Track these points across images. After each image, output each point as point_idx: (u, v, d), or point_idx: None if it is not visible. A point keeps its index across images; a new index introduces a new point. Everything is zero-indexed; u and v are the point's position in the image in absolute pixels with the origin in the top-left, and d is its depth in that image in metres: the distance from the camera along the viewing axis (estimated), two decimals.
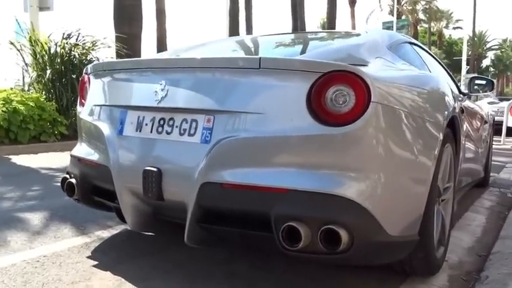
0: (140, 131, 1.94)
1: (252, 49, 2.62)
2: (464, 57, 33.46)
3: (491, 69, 61.01)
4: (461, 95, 3.22)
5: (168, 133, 1.85)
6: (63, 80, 8.07)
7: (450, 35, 56.21)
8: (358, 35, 2.39)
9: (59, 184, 4.22)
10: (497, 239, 2.76)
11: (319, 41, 2.50)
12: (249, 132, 1.66)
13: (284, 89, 1.65)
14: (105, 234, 2.67)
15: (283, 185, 1.61)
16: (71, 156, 2.37)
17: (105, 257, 2.30)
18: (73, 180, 2.24)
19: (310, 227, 1.56)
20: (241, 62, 1.77)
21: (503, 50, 60.72)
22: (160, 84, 1.88)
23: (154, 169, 1.83)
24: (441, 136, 1.98)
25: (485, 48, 59.42)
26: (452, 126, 2.27)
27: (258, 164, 1.66)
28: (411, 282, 2.06)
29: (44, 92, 7.98)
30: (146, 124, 1.93)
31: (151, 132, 1.90)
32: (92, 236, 2.62)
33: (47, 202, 3.47)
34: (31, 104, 7.07)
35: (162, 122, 1.88)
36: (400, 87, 1.79)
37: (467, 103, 3.24)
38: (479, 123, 3.62)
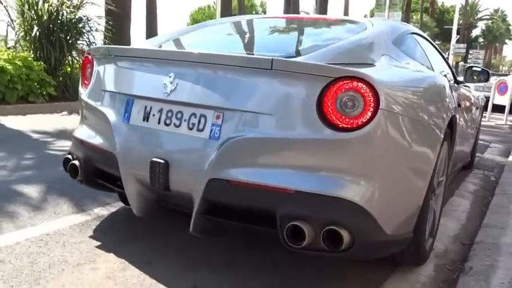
0: (147, 121, 1.96)
1: (250, 40, 2.57)
2: (455, 27, 33.28)
3: (481, 39, 61.00)
4: (456, 84, 3.29)
5: (176, 126, 1.87)
6: (51, 39, 7.83)
7: (443, 3, 55.71)
8: (362, 27, 2.38)
9: (53, 153, 4.34)
10: (480, 228, 2.91)
11: (322, 33, 2.48)
12: (258, 132, 1.69)
13: (295, 92, 1.67)
14: (105, 212, 2.73)
15: (289, 186, 1.67)
16: (74, 137, 2.37)
17: (107, 237, 2.36)
18: (76, 162, 2.26)
19: (313, 227, 1.64)
20: (253, 61, 1.77)
21: (494, 20, 60.53)
22: (169, 76, 1.88)
23: (162, 161, 1.86)
24: (441, 138, 2.05)
25: (476, 18, 59.11)
26: (451, 126, 2.34)
27: (266, 164, 1.71)
28: (400, 271, 2.18)
29: (31, 51, 7.76)
30: (153, 115, 1.94)
31: (158, 123, 1.92)
32: (91, 214, 2.67)
33: (43, 173, 3.48)
34: (19, 63, 6.89)
35: (170, 114, 1.90)
36: (406, 93, 1.83)
37: (462, 91, 3.31)
38: (471, 111, 3.70)
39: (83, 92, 2.35)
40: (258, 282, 2.00)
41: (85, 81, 2.39)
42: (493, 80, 10.27)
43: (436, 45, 3.48)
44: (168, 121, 1.90)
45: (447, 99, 2.26)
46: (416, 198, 1.92)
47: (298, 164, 1.68)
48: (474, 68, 3.53)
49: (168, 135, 1.90)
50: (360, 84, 1.61)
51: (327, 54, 1.92)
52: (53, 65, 7.93)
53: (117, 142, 2.01)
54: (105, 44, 9.37)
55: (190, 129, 1.84)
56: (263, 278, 2.04)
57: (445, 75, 3.06)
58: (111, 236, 2.38)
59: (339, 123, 1.63)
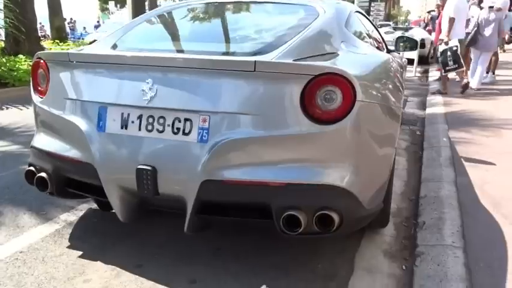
0: (126, 128, 1.93)
1: (211, 33, 2.53)
2: None
3: None
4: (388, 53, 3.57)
5: (159, 131, 1.88)
6: None
7: None
8: (314, 13, 2.46)
9: None
10: (421, 183, 3.30)
11: (279, 23, 2.51)
12: (246, 133, 1.77)
13: (278, 91, 1.76)
14: (72, 217, 2.65)
15: (280, 180, 1.79)
16: (34, 148, 2.25)
17: (86, 245, 2.33)
18: (44, 175, 2.16)
19: (306, 214, 1.80)
20: (236, 64, 1.81)
21: None
22: (147, 82, 1.86)
23: (149, 167, 1.87)
24: (401, 113, 2.28)
25: None
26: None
27: (257, 162, 1.80)
28: (368, 236, 2.45)
29: None
30: (132, 122, 1.92)
31: (139, 130, 1.90)
32: (59, 222, 2.59)
33: None
34: None
35: (151, 120, 1.89)
36: (375, 82, 2.01)
37: (395, 59, 3.60)
38: (401, 74, 4.04)
39: (39, 100, 2.22)
40: (245, 265, 2.14)
41: (38, 88, 2.24)
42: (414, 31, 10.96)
43: (372, 21, 3.71)
44: (149, 127, 1.89)
45: (399, 76, 2.48)
46: (386, 173, 2.15)
47: (287, 158, 1.79)
48: (404, 38, 3.85)
49: (151, 141, 1.89)
50: (337, 78, 1.74)
51: (297, 48, 2.01)
52: None
53: (94, 152, 1.96)
54: (6, 23, 8.51)
55: (175, 133, 1.86)
56: (249, 260, 2.18)
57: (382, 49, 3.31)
58: (90, 242, 2.35)
59: (321, 116, 1.76)
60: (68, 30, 17.99)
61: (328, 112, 1.76)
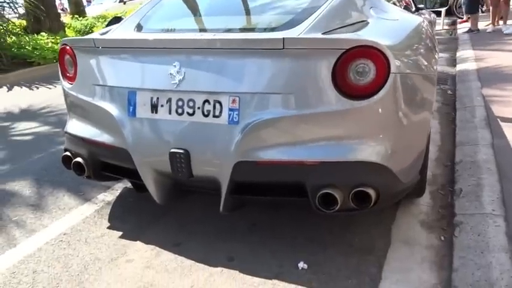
0: (156, 112, 1.93)
1: (236, 9, 2.45)
2: None
3: None
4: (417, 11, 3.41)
5: (190, 114, 1.87)
6: None
7: None
8: None
9: (20, 139, 4.10)
10: (456, 147, 3.21)
11: None
12: (278, 113, 1.73)
13: (308, 68, 1.71)
14: (109, 197, 2.72)
15: (315, 158, 1.77)
16: (69, 134, 2.29)
17: (125, 225, 2.39)
18: (80, 160, 2.21)
19: (342, 191, 1.78)
20: (264, 42, 1.76)
21: None
22: (174, 66, 1.83)
23: (182, 150, 1.88)
24: (436, 78, 2.18)
25: None
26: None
27: (290, 141, 1.78)
28: (404, 206, 2.42)
29: None
30: (162, 106, 1.91)
31: (169, 113, 1.90)
32: (97, 202, 2.66)
33: (21, 165, 3.35)
34: None
35: (180, 104, 1.88)
36: (408, 51, 1.92)
37: (425, 19, 3.43)
38: (433, 35, 3.86)
39: (69, 87, 2.23)
40: (282, 240, 2.16)
41: (67, 74, 2.25)
42: None
43: None
44: (179, 110, 1.88)
45: (432, 38, 2.37)
46: (422, 143, 2.10)
47: (320, 136, 1.76)
48: None
49: (182, 125, 1.89)
50: (370, 51, 1.67)
51: (324, 20, 1.93)
52: None
53: (127, 138, 1.98)
54: (26, 1, 8.54)
55: (206, 116, 1.84)
56: (285, 235, 2.20)
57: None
58: (128, 222, 2.41)
59: (355, 91, 1.71)
60: (85, 2, 17.94)
61: (362, 87, 1.70)
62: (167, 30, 2.25)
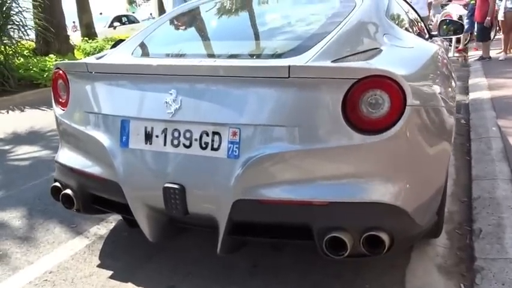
0: (150, 143, 1.78)
1: (240, 33, 2.31)
2: None
3: None
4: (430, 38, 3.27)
5: (186, 146, 1.72)
6: None
7: None
8: (351, 2, 2.22)
9: (17, 164, 3.98)
10: (472, 181, 3.01)
11: (313, 15, 2.29)
12: (282, 147, 1.58)
13: (316, 98, 1.56)
14: (102, 231, 2.55)
15: (322, 198, 1.60)
16: (59, 163, 2.14)
17: (117, 263, 2.21)
18: (69, 192, 2.06)
19: (352, 235, 1.60)
20: (268, 70, 1.62)
21: None
22: (170, 94, 1.70)
23: (177, 186, 1.72)
24: (455, 111, 2.02)
25: None
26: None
27: (295, 179, 1.61)
28: (419, 248, 2.21)
29: None
30: (157, 136, 1.76)
31: (164, 145, 1.75)
32: (89, 236, 2.50)
33: (16, 192, 3.20)
34: None
35: (176, 135, 1.73)
36: (425, 81, 1.78)
37: (441, 47, 3.29)
38: (449, 63, 3.73)
39: (61, 113, 2.10)
40: (286, 285, 1.96)
41: (59, 100, 2.13)
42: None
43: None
44: (175, 142, 1.73)
45: (449, 68, 2.22)
46: (440, 180, 1.92)
47: (328, 174, 1.60)
48: (447, 21, 3.53)
49: (178, 157, 1.74)
50: (384, 81, 1.52)
51: (334, 47, 1.79)
52: None
53: (118, 170, 1.83)
54: (36, 24, 8.60)
55: (204, 148, 1.69)
56: (289, 279, 2.00)
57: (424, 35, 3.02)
58: (120, 260, 2.23)
59: (367, 126, 1.55)
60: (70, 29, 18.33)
61: (374, 120, 1.55)
62: (165, 56, 2.13)
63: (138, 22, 20.20)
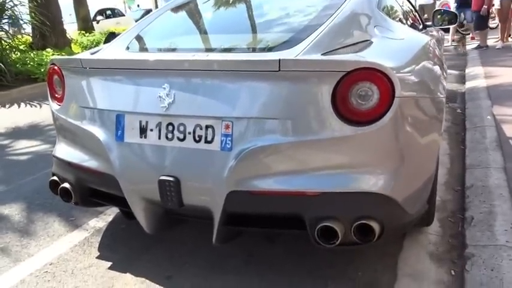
0: (145, 137, 1.81)
1: (230, 26, 2.33)
2: None
3: None
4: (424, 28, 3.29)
5: (180, 140, 1.75)
6: None
7: None
8: None
9: (16, 158, 4.01)
10: (466, 170, 3.05)
11: (302, 6, 2.31)
12: (274, 139, 1.61)
13: (307, 91, 1.58)
14: (101, 223, 2.59)
15: (314, 189, 1.63)
16: (56, 158, 2.18)
17: (115, 255, 2.26)
18: (67, 186, 2.09)
19: (344, 224, 1.64)
20: (258, 64, 1.64)
21: None
22: (164, 88, 1.72)
23: (171, 178, 1.75)
24: (444, 100, 2.04)
25: None
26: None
27: (287, 170, 1.65)
28: (411, 236, 2.25)
29: None
30: (151, 130, 1.79)
31: (159, 138, 1.78)
32: (88, 229, 2.54)
33: (15, 187, 3.24)
34: None
35: (170, 128, 1.76)
36: (414, 72, 1.80)
37: (433, 37, 3.31)
38: (441, 54, 3.74)
39: (57, 108, 2.13)
40: (280, 273, 2.01)
41: (55, 95, 2.15)
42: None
43: None
44: (169, 135, 1.77)
45: (440, 57, 2.24)
46: (430, 170, 1.95)
47: (319, 165, 1.63)
48: (441, 11, 3.54)
49: (172, 150, 1.77)
50: (373, 73, 1.54)
51: (324, 39, 1.81)
52: None
53: (114, 163, 1.86)
54: (32, 18, 8.58)
55: (197, 141, 1.72)
56: (284, 268, 2.05)
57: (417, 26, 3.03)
58: (118, 252, 2.28)
59: (356, 117, 1.58)
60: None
61: (364, 112, 1.58)
62: (159, 50, 2.15)
63: (123, 15, 19.70)
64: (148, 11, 22.06)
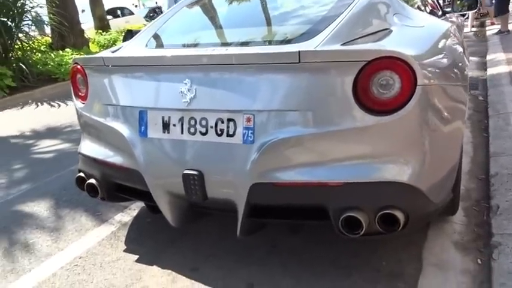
0: (168, 132, 1.84)
1: (249, 20, 2.34)
2: None
3: None
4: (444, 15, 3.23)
5: (202, 134, 1.77)
6: None
7: None
8: None
9: (41, 157, 4.12)
10: (490, 157, 3.00)
11: (324, 2, 2.29)
12: (295, 131, 1.62)
13: (328, 82, 1.59)
14: (126, 218, 2.65)
15: (337, 179, 1.64)
16: (82, 154, 2.23)
17: (142, 248, 2.31)
18: (93, 181, 2.15)
19: (368, 214, 1.64)
20: (278, 57, 1.65)
21: None
22: (185, 83, 1.75)
23: (195, 172, 1.78)
24: (468, 87, 2.01)
25: None
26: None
27: (310, 161, 1.65)
28: (436, 225, 2.24)
29: None
30: (174, 125, 1.82)
31: (182, 133, 1.81)
32: (114, 223, 2.60)
33: (41, 184, 3.33)
34: None
35: (193, 123, 1.79)
36: (436, 60, 1.78)
37: (453, 24, 3.25)
38: (462, 40, 3.67)
39: (81, 106, 2.18)
40: (304, 263, 2.03)
41: (79, 93, 2.20)
42: None
43: None
44: (192, 130, 1.79)
45: (462, 45, 2.20)
46: (454, 158, 1.93)
47: (342, 155, 1.63)
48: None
49: (195, 145, 1.80)
50: (394, 62, 1.54)
51: (343, 30, 1.81)
52: (1, 53, 7.36)
53: (138, 158, 1.90)
54: (51, 19, 8.74)
55: (219, 135, 1.74)
56: (307, 258, 2.06)
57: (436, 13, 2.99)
58: (145, 245, 2.33)
59: (378, 107, 1.57)
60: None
61: (386, 101, 1.57)
62: (178, 46, 2.18)
63: (133, 14, 19.61)
64: (154, 9, 22.10)
